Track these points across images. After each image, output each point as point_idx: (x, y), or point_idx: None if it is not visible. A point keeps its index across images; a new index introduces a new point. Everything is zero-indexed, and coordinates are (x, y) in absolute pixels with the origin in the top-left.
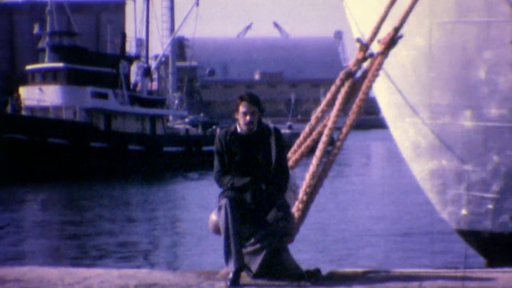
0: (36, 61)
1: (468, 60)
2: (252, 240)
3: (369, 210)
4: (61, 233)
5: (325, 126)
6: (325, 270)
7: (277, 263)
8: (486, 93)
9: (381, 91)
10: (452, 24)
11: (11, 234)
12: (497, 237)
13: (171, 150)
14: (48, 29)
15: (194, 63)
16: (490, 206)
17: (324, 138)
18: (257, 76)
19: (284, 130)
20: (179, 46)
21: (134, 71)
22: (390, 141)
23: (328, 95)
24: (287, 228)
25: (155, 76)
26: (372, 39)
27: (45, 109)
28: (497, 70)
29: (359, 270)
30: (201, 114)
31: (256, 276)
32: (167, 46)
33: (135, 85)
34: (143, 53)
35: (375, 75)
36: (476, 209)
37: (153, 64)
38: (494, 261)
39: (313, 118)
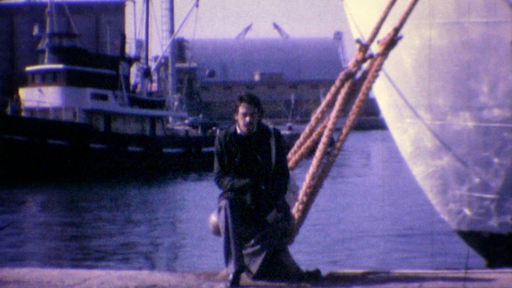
0: (36, 62)
1: (468, 61)
2: (252, 241)
3: (369, 210)
4: (61, 234)
5: (325, 127)
6: (325, 271)
7: (277, 264)
8: (486, 94)
9: (381, 92)
10: (452, 24)
11: (11, 235)
12: (497, 237)
13: (171, 151)
14: (48, 30)
15: (193, 64)
16: (490, 207)
17: (324, 139)
18: (256, 77)
19: (284, 131)
20: (179, 47)
21: (134, 72)
22: (390, 141)
23: (328, 96)
24: (287, 229)
25: (155, 77)
26: (371, 40)
27: (45, 110)
28: (497, 71)
29: (359, 271)
30: (200, 115)
31: (256, 277)
32: (166, 48)
33: (135, 86)
34: (143, 54)
35: (375, 76)
36: (476, 209)
37: (153, 65)
38: (494, 262)
39: (313, 119)
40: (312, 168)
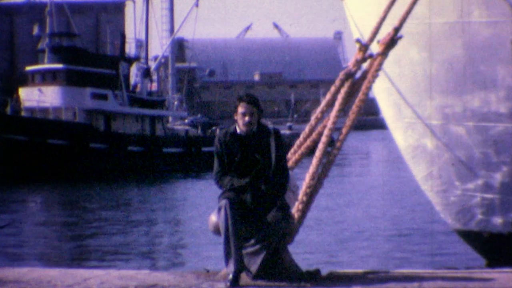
0: (35, 62)
1: (468, 61)
2: (252, 241)
3: (369, 210)
4: (61, 234)
5: (325, 126)
6: (325, 270)
7: (277, 264)
8: (487, 93)
9: (381, 91)
10: (452, 24)
11: (11, 234)
12: (497, 237)
13: (171, 151)
14: (47, 30)
15: (193, 64)
16: (490, 206)
17: (324, 139)
18: (256, 77)
19: (284, 131)
20: (179, 47)
21: (134, 72)
22: (390, 141)
23: (328, 96)
24: (287, 229)
25: (154, 77)
26: (371, 39)
27: (45, 110)
28: (497, 70)
29: (359, 270)
30: (199, 115)
31: (255, 277)
32: (166, 47)
33: (135, 86)
34: (143, 54)
35: (375, 76)
36: (476, 209)
37: (152, 65)
38: (494, 261)
39: (313, 119)
40: (312, 168)
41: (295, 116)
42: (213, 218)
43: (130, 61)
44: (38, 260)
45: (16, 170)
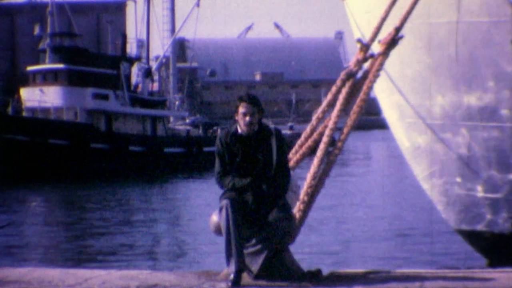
0: (37, 62)
1: (469, 61)
2: (253, 241)
3: (370, 210)
4: (62, 233)
5: (326, 126)
6: (326, 270)
7: (278, 264)
8: (487, 93)
9: (382, 91)
10: (453, 24)
11: (12, 234)
12: (498, 237)
13: (172, 151)
14: (49, 30)
15: (194, 64)
16: (492, 206)
17: (325, 139)
18: (258, 77)
19: (285, 131)
20: (180, 47)
21: (135, 72)
22: (391, 141)
23: (329, 96)
24: (288, 229)
25: (156, 77)
26: (372, 39)
27: (46, 110)
28: (498, 70)
29: (360, 270)
30: (198, 115)
31: (257, 277)
32: (168, 47)
33: (136, 86)
34: (144, 54)
35: (376, 76)
36: (477, 209)
37: (154, 65)
38: (495, 261)
39: (314, 119)
40: (313, 168)
41: (293, 116)
42: (215, 218)
43: (131, 61)
44: (39, 260)
45: (18, 170)
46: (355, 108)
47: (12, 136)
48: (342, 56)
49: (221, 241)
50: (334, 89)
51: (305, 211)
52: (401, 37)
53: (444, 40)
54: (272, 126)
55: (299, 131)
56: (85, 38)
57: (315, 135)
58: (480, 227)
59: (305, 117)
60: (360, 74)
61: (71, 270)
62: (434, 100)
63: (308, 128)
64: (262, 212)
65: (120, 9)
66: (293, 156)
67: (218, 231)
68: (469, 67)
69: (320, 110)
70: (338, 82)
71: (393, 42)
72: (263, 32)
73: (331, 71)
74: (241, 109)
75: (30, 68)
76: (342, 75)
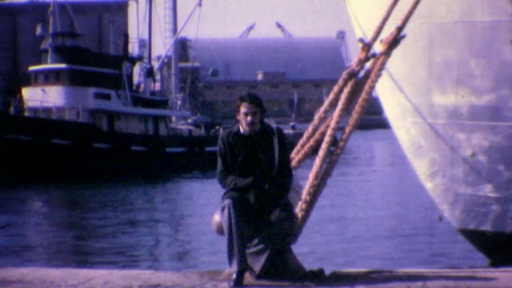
0: (38, 62)
1: (470, 60)
2: (255, 241)
3: (372, 209)
4: (64, 233)
5: (328, 126)
6: (328, 270)
7: (280, 264)
8: (489, 93)
9: (384, 91)
10: (454, 24)
11: (14, 234)
12: (500, 236)
13: (174, 151)
14: (50, 30)
15: (196, 64)
16: (494, 206)
17: (327, 138)
18: (259, 77)
19: (287, 130)
20: (182, 46)
21: (137, 72)
22: (393, 141)
23: (331, 95)
24: (290, 229)
25: (158, 77)
26: (374, 39)
27: (48, 110)
28: (499, 70)
29: (362, 270)
30: (198, 115)
31: (259, 276)
32: (169, 47)
33: (138, 86)
34: (146, 54)
35: (378, 75)
36: (479, 208)
37: (155, 65)
38: (497, 260)
39: (316, 118)
40: (315, 167)
41: (293, 115)
42: (217, 218)
43: (133, 61)
44: (41, 260)
45: (20, 170)
46: (357, 108)
47: (14, 136)
48: (344, 55)
49: (223, 241)
50: (336, 88)
51: (307, 211)
52: (403, 37)
53: (445, 39)
54: (274, 125)
55: (301, 131)
56: (87, 38)
57: (317, 135)
58: (483, 226)
59: (307, 117)
60: (362, 73)
61: (73, 270)
62: (435, 99)
63: (310, 128)
64: (264, 212)
65: (122, 9)
66: (295, 155)
67: (220, 230)
68: (470, 66)
69: (322, 109)
70: (340, 82)
71: (395, 41)
72: (265, 32)
73: (333, 70)
74: (243, 109)
75: (32, 68)
76: (344, 74)
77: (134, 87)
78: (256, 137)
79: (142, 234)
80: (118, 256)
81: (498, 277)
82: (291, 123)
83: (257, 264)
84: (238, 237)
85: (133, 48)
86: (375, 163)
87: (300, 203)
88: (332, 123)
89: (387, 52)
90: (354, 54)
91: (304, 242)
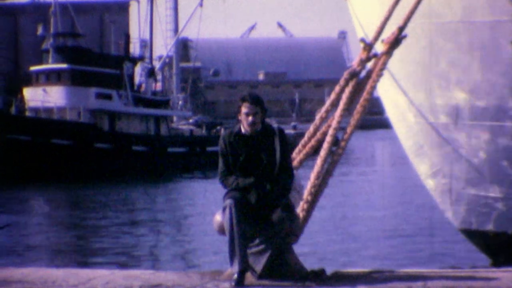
0: (40, 62)
1: (471, 60)
2: (257, 241)
3: (373, 209)
4: (65, 233)
5: (329, 126)
6: (329, 270)
7: (282, 264)
8: (489, 93)
9: (386, 91)
10: (455, 24)
11: (15, 235)
12: (502, 236)
13: (176, 151)
14: (52, 30)
15: (198, 64)
16: (495, 206)
17: (328, 138)
18: (261, 76)
19: (289, 130)
20: (183, 46)
21: (138, 72)
22: (394, 141)
23: (332, 95)
24: (291, 229)
25: (159, 77)
26: (376, 39)
27: (49, 110)
28: (499, 70)
29: (364, 270)
30: (199, 115)
31: (260, 276)
32: (171, 47)
33: (139, 86)
34: (147, 54)
35: (379, 75)
36: (481, 208)
37: (157, 65)
38: (499, 260)
39: (317, 118)
40: (316, 167)
41: (294, 115)
42: (218, 218)
43: (134, 61)
44: (42, 260)
45: (21, 170)
46: (358, 108)
47: (15, 136)
48: (345, 55)
49: (225, 241)
50: (337, 88)
51: (309, 211)
52: (405, 37)
53: (446, 39)
54: (275, 125)
55: (302, 131)
56: (88, 38)
57: (318, 135)
58: (484, 226)
59: (308, 117)
60: (363, 73)
61: (74, 270)
62: (437, 100)
63: (312, 128)
64: (266, 212)
65: (123, 9)
66: (297, 155)
67: (221, 230)
68: (471, 66)
69: (323, 109)
70: (342, 82)
71: (396, 41)
72: (266, 32)
73: (334, 70)
74: (244, 109)
75: (33, 68)
76: (346, 74)
77: (135, 87)
78: (257, 137)
79: (143, 234)
80: (119, 256)
81: (499, 277)
82: (293, 123)
83: (259, 264)
84: (240, 237)
85: (135, 48)
86: (377, 163)
87: (301, 203)
88: (334, 123)
89: (389, 52)
90: (355, 54)
91: (305, 242)
